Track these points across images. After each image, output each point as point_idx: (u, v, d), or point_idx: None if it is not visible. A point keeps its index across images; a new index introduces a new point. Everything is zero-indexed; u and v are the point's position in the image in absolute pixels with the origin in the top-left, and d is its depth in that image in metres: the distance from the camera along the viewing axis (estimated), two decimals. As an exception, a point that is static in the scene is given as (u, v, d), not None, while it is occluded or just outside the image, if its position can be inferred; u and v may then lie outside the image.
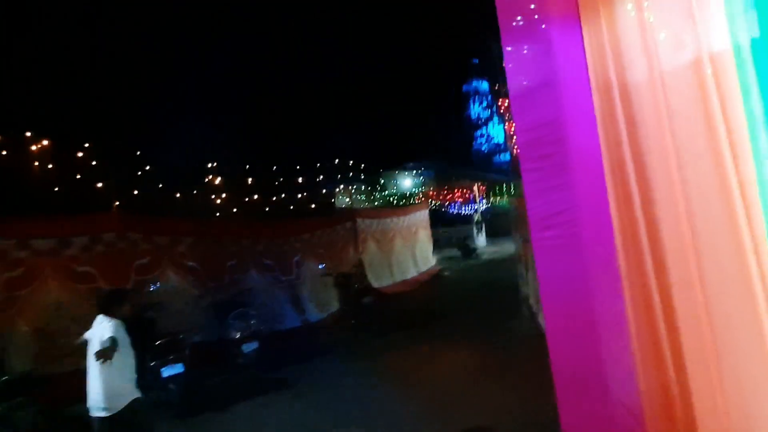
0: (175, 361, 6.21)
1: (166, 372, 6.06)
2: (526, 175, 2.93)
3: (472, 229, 27.19)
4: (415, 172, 44.60)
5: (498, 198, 39.18)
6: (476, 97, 65.10)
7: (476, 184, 35.98)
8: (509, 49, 3.00)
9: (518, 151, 2.96)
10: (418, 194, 38.64)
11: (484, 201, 37.26)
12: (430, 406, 5.44)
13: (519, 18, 2.96)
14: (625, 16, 2.72)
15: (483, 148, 63.03)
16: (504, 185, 38.29)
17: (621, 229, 2.76)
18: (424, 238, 18.19)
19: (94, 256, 7.38)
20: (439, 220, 26.93)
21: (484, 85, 64.04)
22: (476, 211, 33.19)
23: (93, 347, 3.79)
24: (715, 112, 2.38)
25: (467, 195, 37.33)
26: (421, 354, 7.57)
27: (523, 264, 8.35)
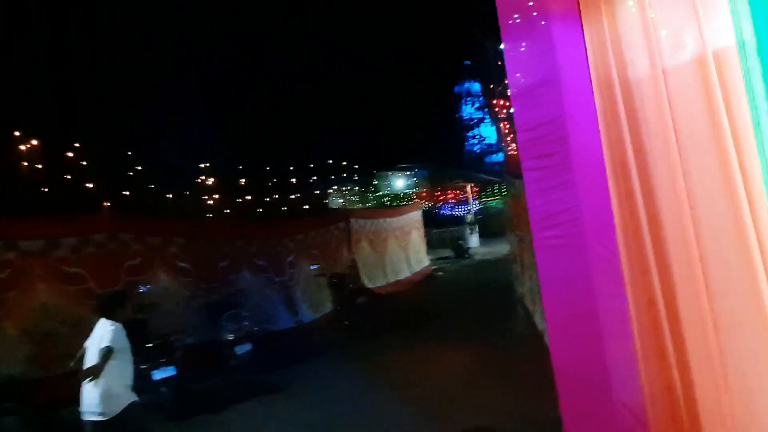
0: (167, 364, 6.11)
1: (158, 375, 5.95)
2: (526, 174, 2.89)
3: (465, 229, 27.19)
4: (408, 172, 44.60)
5: (490, 198, 39.30)
6: (468, 98, 65.22)
7: (469, 185, 36.06)
8: (509, 47, 2.97)
9: (519, 149, 2.92)
10: (411, 195, 38.65)
11: (477, 201, 37.34)
12: (426, 406, 5.39)
13: (519, 15, 2.93)
14: (626, 13, 2.69)
15: (475, 149, 63.16)
16: (496, 186, 38.42)
17: (623, 227, 2.73)
18: (417, 238, 18.15)
19: (84, 258, 7.26)
20: (432, 220, 26.89)
21: (476, 86, 64.17)
22: (469, 211, 33.25)
23: (91, 352, 3.71)
24: (719, 109, 2.35)
25: (460, 195, 37.40)
26: (416, 354, 7.52)
27: (519, 264, 8.33)
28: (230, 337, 7.69)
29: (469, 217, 29.26)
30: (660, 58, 2.55)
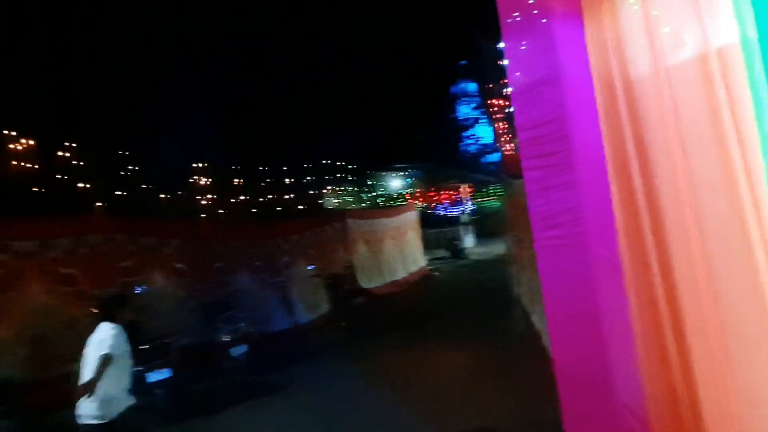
0: (162, 366, 6.04)
1: (153, 377, 5.89)
2: (527, 173, 2.86)
3: (461, 229, 27.22)
4: (403, 173, 44.62)
5: (486, 199, 39.37)
6: (464, 98, 65.35)
7: (464, 185, 36.11)
8: (510, 45, 2.94)
9: (519, 149, 2.89)
10: (406, 195, 38.63)
11: (472, 202, 37.40)
12: (425, 407, 5.35)
13: (520, 13, 2.90)
14: (628, 10, 2.66)
15: (471, 149, 63.29)
16: (491, 186, 38.49)
17: (625, 227, 2.70)
18: (413, 238, 18.14)
19: (78, 259, 7.19)
20: (427, 220, 26.89)
21: (472, 87, 64.32)
22: (464, 211, 33.28)
23: (90, 356, 3.66)
24: (722, 107, 2.33)
25: (455, 196, 37.45)
26: (414, 355, 7.48)
27: (516, 264, 8.32)
28: (226, 338, 7.63)
29: (465, 218, 29.26)
30: (662, 56, 2.52)
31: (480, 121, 62.57)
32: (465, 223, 28.15)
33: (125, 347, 3.79)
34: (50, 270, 6.95)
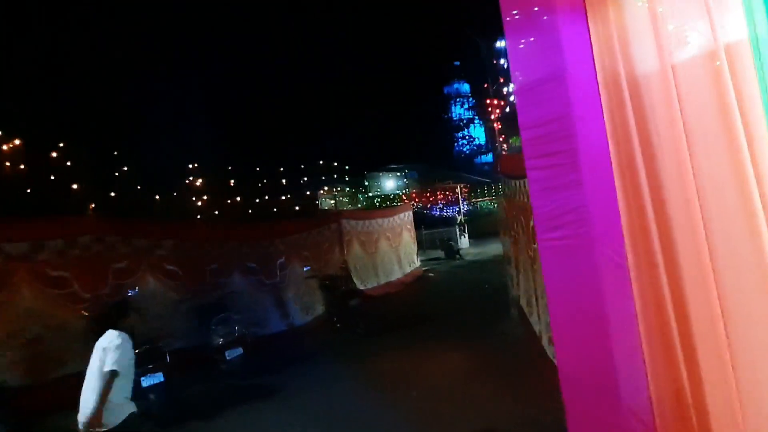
0: (155, 370, 5.94)
1: (146, 382, 5.79)
2: (531, 173, 2.79)
3: (455, 230, 27.19)
4: (398, 173, 44.60)
5: (480, 199, 39.40)
6: (458, 98, 65.43)
7: (458, 186, 36.12)
8: (513, 42, 2.87)
9: (522, 148, 2.82)
10: (401, 196, 38.59)
11: (466, 202, 37.42)
12: (423, 410, 5.28)
13: (523, 10, 2.83)
14: (633, 6, 2.61)
15: (465, 150, 63.37)
16: (486, 186, 38.54)
17: (630, 227, 2.64)
18: (408, 239, 18.09)
19: (69, 260, 7.07)
20: (422, 221, 26.84)
21: (466, 87, 64.43)
22: (459, 212, 33.27)
23: (94, 364, 3.59)
24: (731, 105, 2.27)
25: (450, 196, 37.45)
26: (412, 357, 7.41)
27: (513, 265, 8.27)
28: (220, 341, 7.55)
29: (459, 218, 29.25)
30: (668, 52, 2.46)
31: (474, 121, 62.71)
32: (459, 224, 28.12)
33: (130, 355, 3.73)
34: (41, 272, 6.83)
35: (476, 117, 61.49)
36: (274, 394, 6.46)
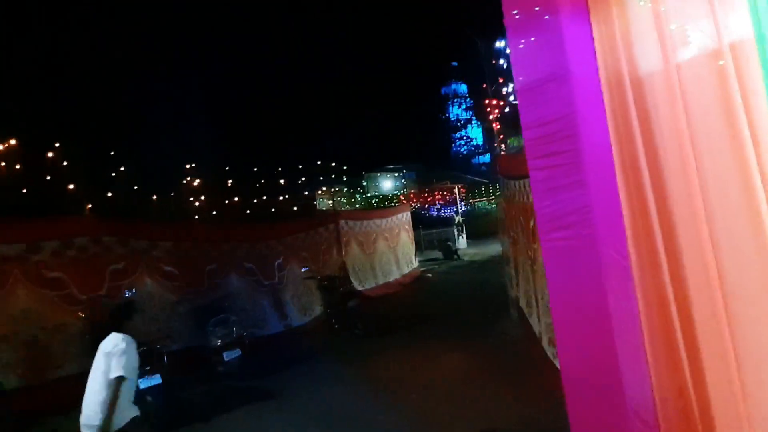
0: (153, 372, 5.89)
1: (143, 384, 5.73)
2: (533, 173, 2.77)
3: (453, 230, 27.17)
4: (396, 174, 44.60)
5: (478, 200, 39.43)
6: (456, 99, 65.50)
7: (456, 186, 36.14)
8: (515, 42, 2.85)
9: (525, 148, 2.80)
10: (399, 196, 38.58)
11: (464, 203, 37.44)
12: (424, 412, 5.25)
13: (525, 9, 2.81)
14: (636, 5, 2.59)
15: (462, 150, 63.44)
16: (483, 187, 38.57)
17: (634, 228, 2.62)
18: (406, 239, 18.07)
19: (65, 262, 7.02)
20: (420, 221, 26.82)
21: (464, 87, 64.52)
22: (456, 212, 33.27)
23: (98, 368, 3.55)
24: (736, 104, 2.26)
25: (448, 197, 37.45)
26: (411, 359, 7.37)
27: (513, 266, 8.25)
28: (218, 342, 7.50)
29: (457, 219, 29.25)
30: (672, 51, 2.45)
31: (472, 121, 62.77)
32: (458, 224, 28.11)
33: (135, 358, 3.70)
34: (37, 273, 6.77)
35: (474, 117, 61.56)
36: (272, 395, 6.42)
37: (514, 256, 7.99)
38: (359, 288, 12.85)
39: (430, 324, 9.62)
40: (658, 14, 2.50)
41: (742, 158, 2.28)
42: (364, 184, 42.22)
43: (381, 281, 14.89)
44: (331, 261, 12.67)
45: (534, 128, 2.75)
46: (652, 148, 2.57)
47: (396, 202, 33.75)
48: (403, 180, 44.23)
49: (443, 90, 65.69)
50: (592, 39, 2.73)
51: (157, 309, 7.96)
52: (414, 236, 19.47)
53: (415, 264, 18.62)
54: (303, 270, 11.31)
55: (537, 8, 2.79)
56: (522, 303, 7.50)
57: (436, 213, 36.85)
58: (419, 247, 21.60)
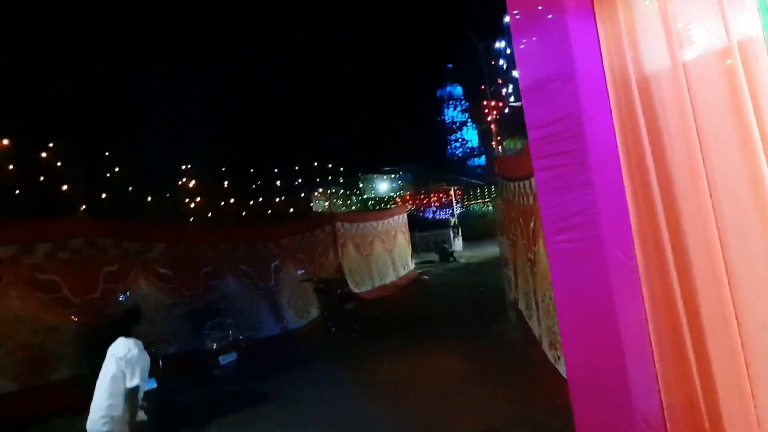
0: (147, 376, 5.79)
1: (138, 387, 5.64)
2: (538, 174, 2.73)
3: (449, 232, 27.13)
4: (392, 175, 44.56)
5: (473, 202, 39.45)
6: (451, 101, 65.62)
7: (452, 189, 36.12)
8: (520, 40, 2.81)
9: (530, 148, 2.76)
10: (395, 198, 38.54)
11: (459, 205, 37.45)
12: (422, 416, 5.19)
13: (530, 8, 2.77)
14: (642, 3, 2.55)
15: (458, 153, 63.54)
16: (479, 189, 38.59)
17: (640, 229, 2.59)
18: (402, 241, 18.03)
19: (59, 264, 6.91)
20: (416, 223, 26.76)
21: (459, 89, 64.66)
22: (452, 214, 33.27)
23: (108, 369, 3.53)
24: (745, 103, 2.22)
25: (444, 199, 37.44)
26: (409, 362, 7.31)
27: (511, 268, 8.21)
28: (214, 345, 7.41)
29: (453, 221, 29.22)
30: (680, 50, 2.41)
31: (467, 124, 62.86)
32: (453, 226, 28.07)
33: (148, 363, 3.71)
34: (30, 276, 6.67)
35: (469, 120, 61.66)
36: (269, 399, 6.35)
37: (512, 258, 7.95)
38: (356, 290, 12.78)
39: (427, 326, 9.57)
40: (665, 13, 2.46)
41: (751, 157, 2.24)
42: (361, 185, 42.12)
43: (377, 283, 14.83)
44: (328, 263, 12.60)
45: (539, 128, 2.71)
46: (658, 147, 2.53)
47: (392, 204, 33.68)
48: (399, 182, 44.19)
49: (438, 92, 65.77)
50: (598, 37, 2.69)
51: (152, 312, 7.85)
52: (410, 238, 19.43)
53: (412, 266, 18.57)
54: (299, 272, 11.23)
55: (541, 7, 2.75)
56: (521, 305, 7.46)
57: (431, 215, 36.82)
58: (415, 250, 21.56)
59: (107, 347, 3.79)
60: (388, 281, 15.58)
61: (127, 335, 3.70)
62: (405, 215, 19.35)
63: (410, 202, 36.39)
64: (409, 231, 19.51)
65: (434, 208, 38.12)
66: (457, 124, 65.14)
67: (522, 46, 2.81)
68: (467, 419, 4.96)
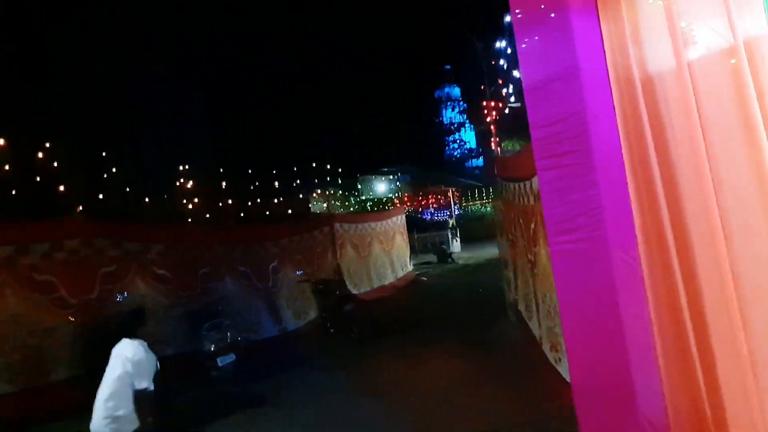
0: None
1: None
2: (541, 174, 2.70)
3: (447, 234, 27.12)
4: (390, 177, 44.53)
5: (471, 203, 39.44)
6: (449, 102, 65.65)
7: (450, 190, 36.12)
8: (523, 40, 2.79)
9: (533, 148, 2.73)
10: (394, 199, 38.50)
11: (458, 206, 37.44)
12: (421, 417, 5.16)
13: (533, 7, 2.75)
14: (646, 2, 2.54)
15: (456, 154, 63.56)
16: (476, 190, 38.59)
17: (644, 229, 2.57)
18: (401, 243, 18.01)
19: (56, 264, 6.86)
20: (414, 225, 26.75)
21: (456, 91, 64.70)
22: (450, 216, 33.27)
23: (113, 370, 3.50)
24: (751, 102, 2.21)
25: (442, 200, 37.42)
26: (408, 363, 7.27)
27: (511, 269, 8.18)
28: (212, 347, 7.37)
29: (451, 222, 29.23)
30: (684, 49, 2.39)
31: (465, 125, 62.89)
32: (451, 228, 28.07)
33: (154, 364, 3.71)
34: (27, 276, 6.62)
35: (467, 121, 61.68)
36: (267, 400, 6.30)
37: (512, 259, 7.93)
38: (354, 291, 12.75)
39: (426, 327, 9.53)
40: (669, 12, 2.45)
41: (756, 157, 2.23)
42: (359, 186, 42.09)
43: (376, 284, 14.80)
44: (326, 264, 12.56)
45: (542, 127, 2.69)
46: (663, 146, 2.52)
47: (390, 206, 33.64)
48: (398, 183, 44.17)
49: (436, 93, 65.77)
50: (601, 37, 2.68)
51: (150, 313, 7.77)
52: (408, 239, 19.41)
53: (410, 267, 18.55)
54: (298, 273, 11.19)
55: (544, 6, 2.74)
56: (521, 306, 7.43)
57: (430, 216, 36.80)
58: (413, 251, 21.55)
59: (108, 348, 3.76)
60: (386, 282, 15.55)
61: (132, 336, 3.65)
62: (403, 216, 19.34)
63: (408, 203, 36.35)
64: (408, 232, 19.50)
65: (432, 210, 38.09)
66: (456, 125, 65.16)
67: (525, 45, 2.79)
68: (467, 419, 4.93)
